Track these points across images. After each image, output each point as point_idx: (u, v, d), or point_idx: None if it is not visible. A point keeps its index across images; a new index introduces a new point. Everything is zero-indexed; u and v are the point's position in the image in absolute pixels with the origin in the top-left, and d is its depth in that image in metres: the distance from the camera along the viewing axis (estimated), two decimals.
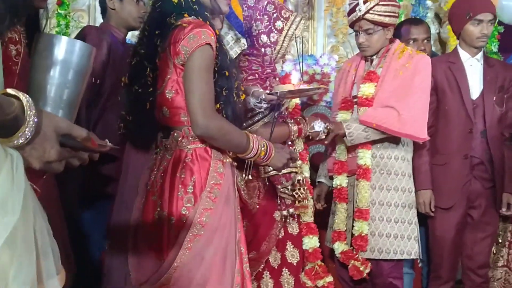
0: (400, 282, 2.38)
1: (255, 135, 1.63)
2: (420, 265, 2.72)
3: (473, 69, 2.50)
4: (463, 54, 2.52)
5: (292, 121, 2.10)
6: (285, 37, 2.13)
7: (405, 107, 2.21)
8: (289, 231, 2.16)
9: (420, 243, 2.35)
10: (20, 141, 0.79)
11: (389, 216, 2.28)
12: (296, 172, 2.08)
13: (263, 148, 1.60)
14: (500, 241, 2.53)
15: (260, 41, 2.13)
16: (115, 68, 2.24)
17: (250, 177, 1.78)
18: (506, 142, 2.43)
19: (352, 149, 2.34)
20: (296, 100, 2.25)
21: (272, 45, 2.13)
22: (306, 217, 2.19)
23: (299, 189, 2.06)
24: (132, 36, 2.81)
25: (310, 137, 2.17)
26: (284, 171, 2.00)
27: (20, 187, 0.76)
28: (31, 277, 0.76)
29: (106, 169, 2.10)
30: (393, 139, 2.30)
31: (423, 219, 2.47)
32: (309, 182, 2.28)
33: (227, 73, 1.57)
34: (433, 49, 3.31)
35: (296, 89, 2.02)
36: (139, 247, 1.57)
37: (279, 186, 2.08)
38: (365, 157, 2.28)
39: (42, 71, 1.07)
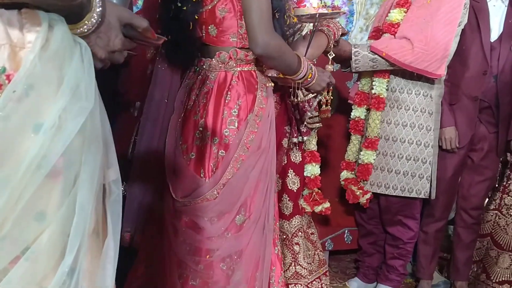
0: (412, 222, 2.37)
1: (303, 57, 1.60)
2: None
3: (496, 10, 2.43)
4: None
5: (324, 27, 1.96)
6: None
7: (422, 39, 2.08)
8: (292, 160, 2.19)
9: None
10: (86, 28, 0.78)
11: (401, 152, 2.25)
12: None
13: (310, 70, 1.60)
14: (496, 185, 2.57)
15: None
16: None
17: (296, 99, 1.74)
18: None
19: None
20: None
21: None
22: (310, 146, 2.21)
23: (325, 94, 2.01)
24: None
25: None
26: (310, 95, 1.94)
27: (91, 75, 0.76)
28: (98, 162, 0.78)
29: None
30: (413, 73, 2.20)
31: None
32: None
33: None
34: None
35: (315, 12, 1.95)
36: (177, 163, 1.56)
37: (308, 112, 2.04)
38: (380, 86, 2.21)
39: None
